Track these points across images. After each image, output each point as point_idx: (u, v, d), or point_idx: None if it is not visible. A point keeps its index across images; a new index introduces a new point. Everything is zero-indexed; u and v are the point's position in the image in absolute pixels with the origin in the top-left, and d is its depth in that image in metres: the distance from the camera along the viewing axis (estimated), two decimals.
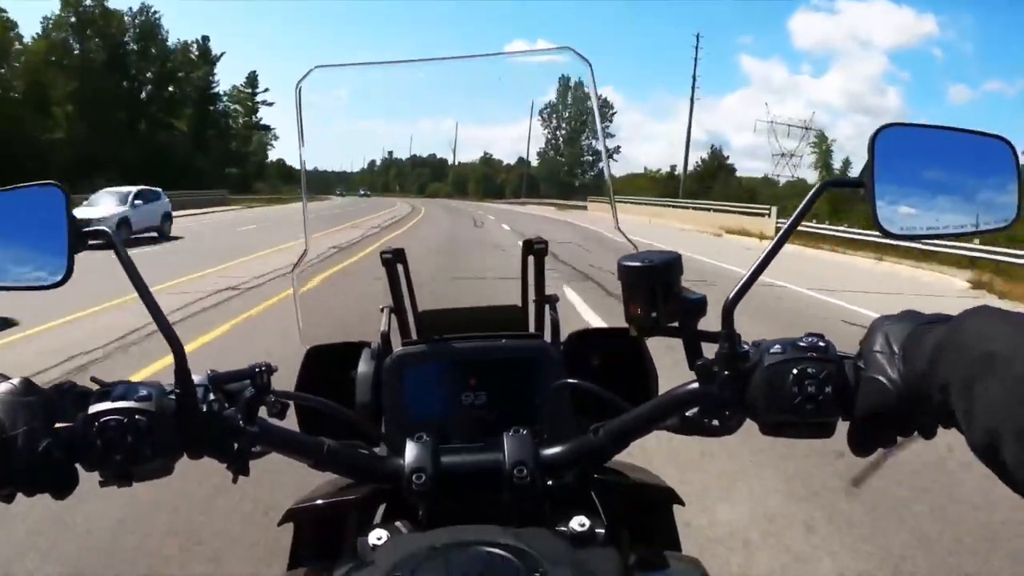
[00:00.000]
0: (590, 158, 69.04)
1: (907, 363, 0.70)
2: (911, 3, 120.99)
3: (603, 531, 0.87)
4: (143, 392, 0.78)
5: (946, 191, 0.85)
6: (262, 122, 72.70)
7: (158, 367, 5.40)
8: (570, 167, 71.81)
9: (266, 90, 71.41)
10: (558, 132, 74.01)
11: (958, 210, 0.85)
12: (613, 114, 74.16)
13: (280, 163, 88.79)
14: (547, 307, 1.15)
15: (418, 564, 0.68)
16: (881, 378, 0.73)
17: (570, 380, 0.98)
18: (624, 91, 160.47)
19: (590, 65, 1.10)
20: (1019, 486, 0.56)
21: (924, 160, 0.84)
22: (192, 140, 59.67)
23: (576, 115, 68.21)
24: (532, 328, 1.17)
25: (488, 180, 75.68)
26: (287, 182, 78.17)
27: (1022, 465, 0.54)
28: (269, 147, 77.23)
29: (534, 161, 77.38)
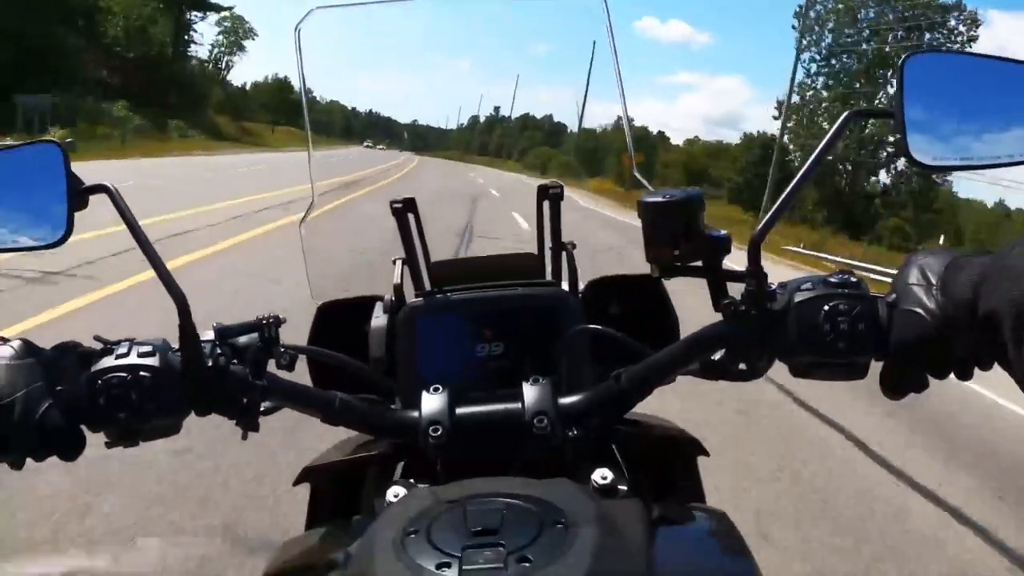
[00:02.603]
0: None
1: (947, 294, 0.67)
2: None
3: (626, 482, 0.85)
4: (147, 348, 0.76)
5: (980, 120, 0.81)
6: None
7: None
8: None
9: None
10: None
11: (992, 140, 0.81)
12: None
13: (281, 85, 79.07)
14: (564, 254, 1.12)
15: (435, 517, 0.66)
16: (918, 310, 0.70)
17: (589, 326, 0.95)
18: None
19: (607, 4, 1.06)
20: None
21: (956, 88, 0.81)
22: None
23: None
24: (549, 276, 1.14)
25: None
26: (288, 116, 67.90)
27: None
28: (228, 54, 64.19)
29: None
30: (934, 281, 0.70)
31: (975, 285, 0.64)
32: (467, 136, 71.84)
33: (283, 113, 70.91)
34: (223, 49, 65.13)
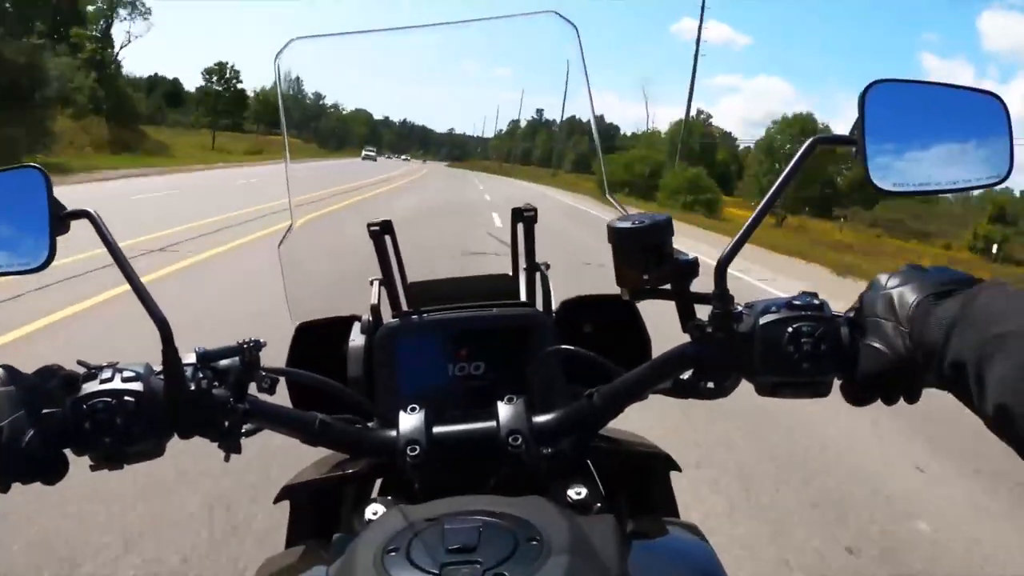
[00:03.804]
0: None
1: (915, 339, 0.70)
2: None
3: (600, 498, 0.87)
4: (130, 373, 0.77)
5: (938, 147, 0.84)
6: None
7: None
8: None
9: None
10: None
11: (950, 166, 0.84)
12: None
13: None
14: (538, 275, 1.14)
15: (413, 536, 0.68)
16: (883, 347, 0.73)
17: (563, 346, 0.97)
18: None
19: (576, 29, 1.08)
20: None
21: (915, 116, 0.83)
22: None
23: None
24: (523, 296, 1.16)
25: None
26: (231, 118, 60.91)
27: None
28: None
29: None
30: (904, 322, 0.71)
31: (945, 332, 0.66)
32: (507, 142, 65.74)
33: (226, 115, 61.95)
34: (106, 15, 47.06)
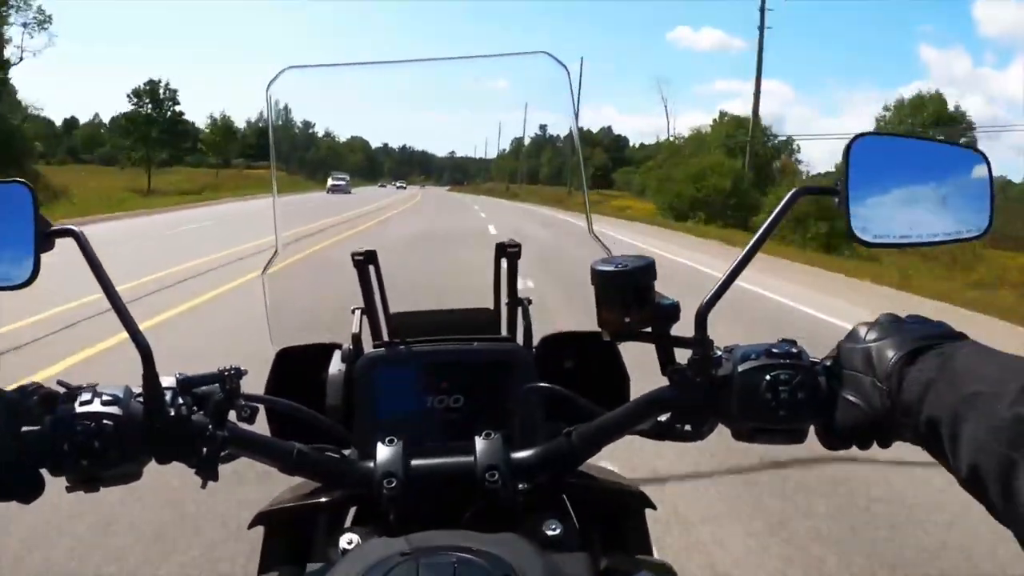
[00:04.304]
0: None
1: (893, 397, 0.70)
2: None
3: (575, 535, 0.87)
4: (110, 397, 0.77)
5: (920, 201, 0.85)
6: None
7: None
8: None
9: None
10: None
11: (932, 219, 0.85)
12: None
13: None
14: (519, 310, 1.14)
15: (388, 570, 0.68)
16: (860, 402, 0.74)
17: (542, 384, 0.98)
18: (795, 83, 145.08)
19: (567, 70, 1.10)
20: (1002, 517, 0.58)
21: (900, 170, 0.85)
22: None
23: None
24: (504, 331, 1.16)
25: None
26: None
27: (1004, 499, 0.56)
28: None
29: None
30: (882, 379, 0.72)
31: (922, 391, 0.67)
32: (511, 163, 62.62)
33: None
34: None
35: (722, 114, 45.28)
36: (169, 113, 50.61)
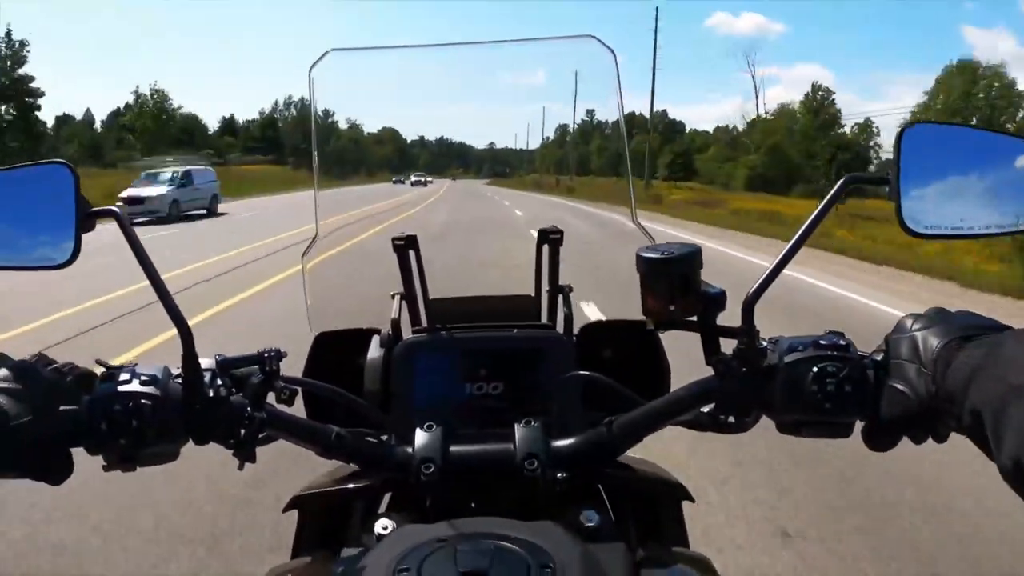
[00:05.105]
0: None
1: (938, 382, 0.69)
2: None
3: (611, 525, 0.86)
4: (148, 376, 0.77)
5: (973, 191, 0.83)
6: None
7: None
8: None
9: None
10: None
11: (984, 211, 0.83)
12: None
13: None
14: (560, 297, 1.13)
15: (425, 556, 0.67)
16: (907, 390, 0.72)
17: (582, 372, 0.97)
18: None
19: (614, 54, 1.08)
20: None
21: (952, 159, 0.83)
22: None
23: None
24: (545, 318, 1.15)
25: None
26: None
27: None
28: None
29: None
30: (927, 365, 0.71)
31: (967, 378, 0.65)
32: (554, 152, 59.01)
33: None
34: None
35: (815, 87, 45.48)
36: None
